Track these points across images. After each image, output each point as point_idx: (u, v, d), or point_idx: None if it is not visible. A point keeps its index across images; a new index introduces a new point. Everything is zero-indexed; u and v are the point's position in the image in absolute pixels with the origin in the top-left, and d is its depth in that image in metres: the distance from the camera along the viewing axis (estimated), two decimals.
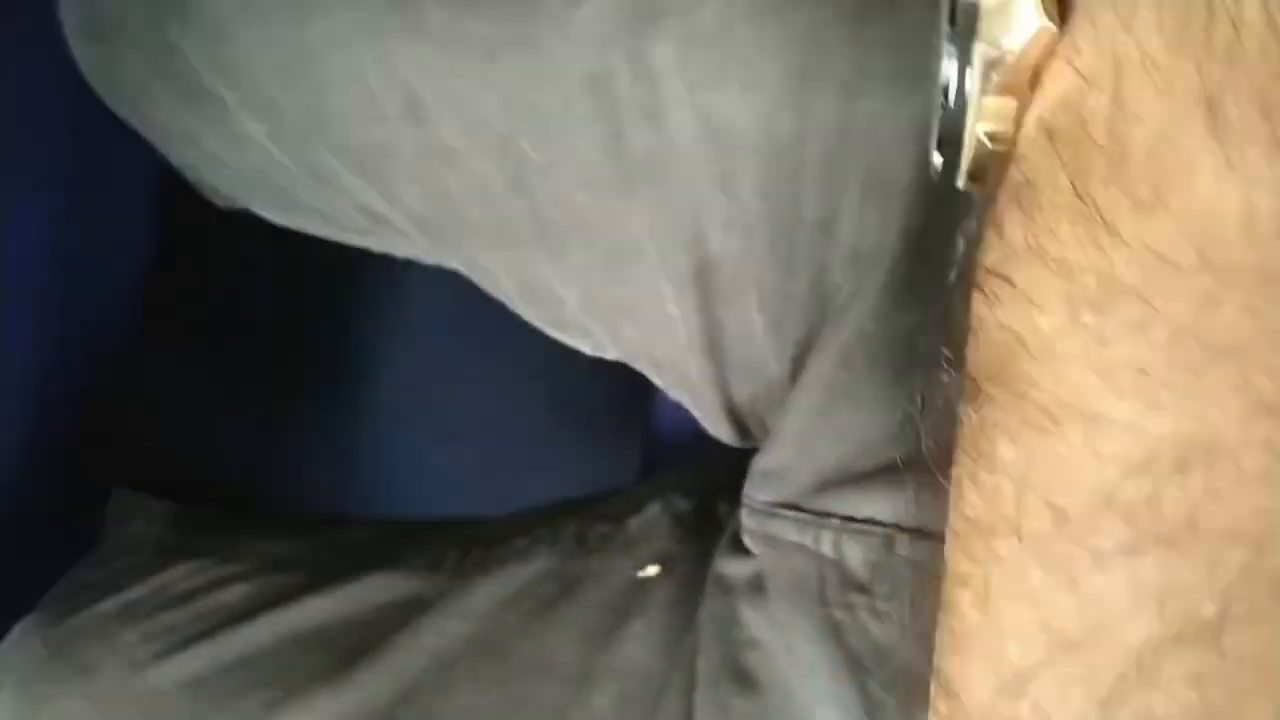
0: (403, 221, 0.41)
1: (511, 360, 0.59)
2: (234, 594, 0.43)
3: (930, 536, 0.35)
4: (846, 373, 0.36)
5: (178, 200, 0.53)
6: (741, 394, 0.40)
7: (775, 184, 0.35)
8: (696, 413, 0.43)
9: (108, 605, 0.43)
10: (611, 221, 0.37)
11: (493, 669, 0.40)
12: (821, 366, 0.37)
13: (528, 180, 0.37)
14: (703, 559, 0.41)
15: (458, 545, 0.45)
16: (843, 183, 0.34)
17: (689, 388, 0.41)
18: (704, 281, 0.37)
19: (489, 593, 0.42)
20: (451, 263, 0.44)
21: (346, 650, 0.41)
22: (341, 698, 0.39)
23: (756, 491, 0.39)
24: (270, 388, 0.60)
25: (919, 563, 0.35)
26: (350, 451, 0.60)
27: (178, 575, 0.44)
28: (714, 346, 0.39)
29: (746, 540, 0.39)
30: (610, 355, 0.43)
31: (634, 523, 0.44)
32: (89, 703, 0.40)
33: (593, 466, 0.60)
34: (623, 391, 0.60)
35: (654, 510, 0.44)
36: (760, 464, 0.40)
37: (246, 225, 0.50)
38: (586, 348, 0.43)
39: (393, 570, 0.43)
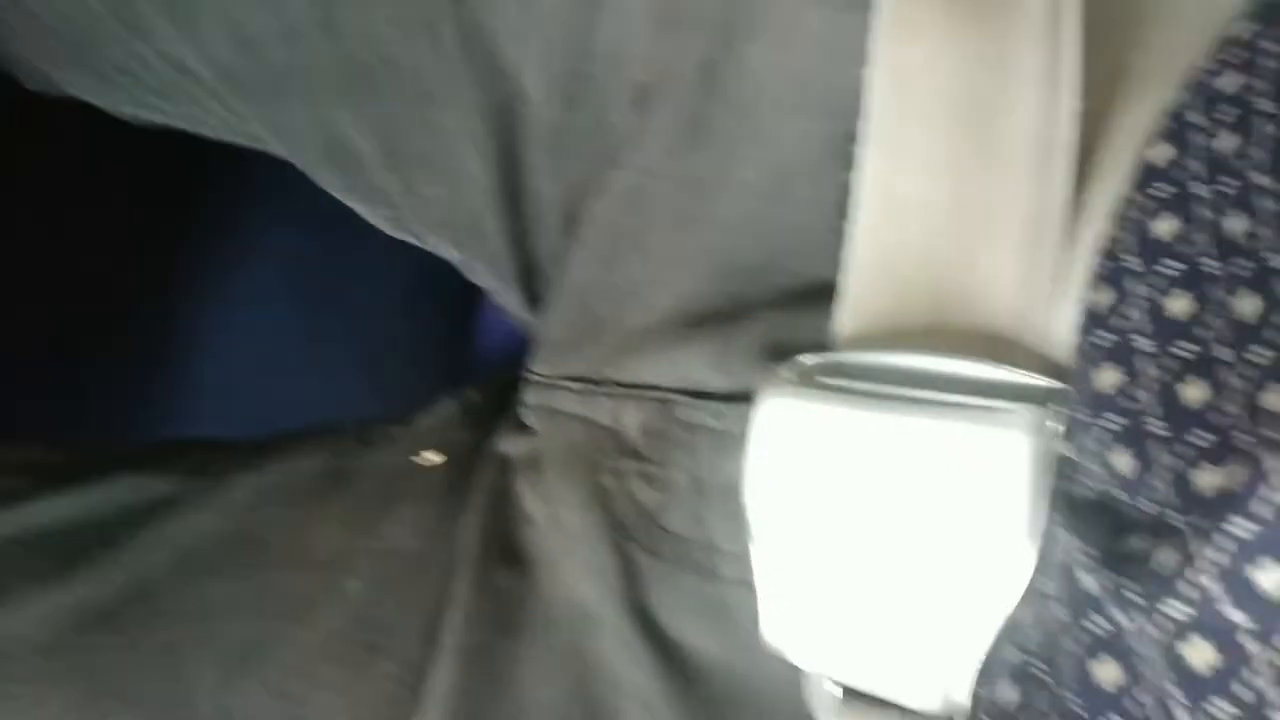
0: (209, 74, 0.39)
1: (336, 293, 0.57)
2: None
3: (710, 396, 0.32)
4: (632, 218, 0.33)
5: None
6: (538, 249, 0.38)
7: (572, 9, 0.33)
8: (494, 284, 0.40)
9: None
10: (418, 59, 0.36)
11: (242, 562, 0.36)
12: (604, 211, 0.34)
13: (338, 17, 0.36)
14: (488, 445, 0.38)
15: (227, 451, 0.41)
16: (635, 12, 0.33)
17: (486, 254, 0.39)
18: (503, 120, 0.36)
19: (250, 487, 0.38)
20: (255, 128, 0.42)
21: (77, 549, 0.36)
22: (56, 597, 0.34)
23: (538, 365, 0.36)
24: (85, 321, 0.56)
25: (697, 424, 0.32)
26: (163, 384, 0.56)
27: None
28: (512, 195, 0.37)
29: (527, 417, 0.36)
30: (411, 231, 0.40)
31: (422, 419, 0.40)
32: None
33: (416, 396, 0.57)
34: (448, 320, 0.57)
35: (445, 405, 0.41)
36: (542, 332, 0.37)
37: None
38: (387, 222, 0.41)
39: (149, 473, 0.39)
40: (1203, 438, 0.19)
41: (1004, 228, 0.27)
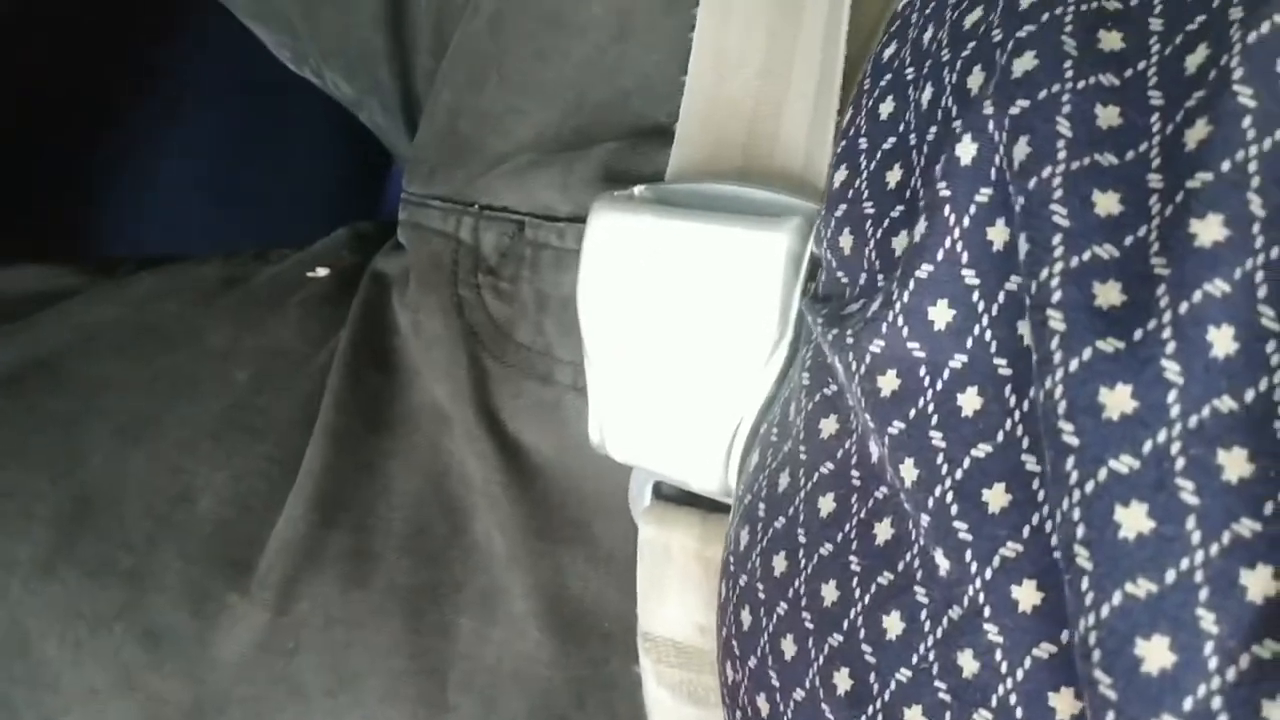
0: None
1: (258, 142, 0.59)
2: None
3: (555, 219, 0.36)
4: (493, 44, 0.37)
5: None
6: (416, 70, 0.42)
7: None
8: (383, 121, 0.44)
9: None
10: None
11: (140, 345, 0.40)
12: (470, 34, 0.38)
13: None
14: (370, 265, 0.42)
15: (133, 260, 0.45)
16: None
17: (374, 83, 0.42)
18: None
19: (152, 284, 0.42)
20: None
21: None
22: None
23: (410, 184, 0.40)
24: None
25: (542, 243, 0.36)
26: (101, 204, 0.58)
27: None
28: (396, 17, 0.41)
29: (400, 235, 0.40)
30: (310, 65, 0.44)
31: (318, 244, 0.44)
32: None
33: None
34: (356, 176, 0.61)
35: (340, 233, 0.45)
36: (414, 150, 0.41)
37: None
38: (289, 55, 0.44)
39: (57, 267, 0.43)
40: (898, 210, 0.24)
41: (802, 86, 0.32)
